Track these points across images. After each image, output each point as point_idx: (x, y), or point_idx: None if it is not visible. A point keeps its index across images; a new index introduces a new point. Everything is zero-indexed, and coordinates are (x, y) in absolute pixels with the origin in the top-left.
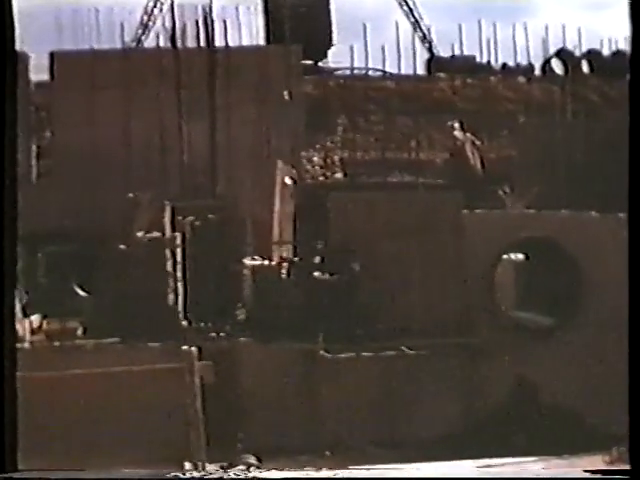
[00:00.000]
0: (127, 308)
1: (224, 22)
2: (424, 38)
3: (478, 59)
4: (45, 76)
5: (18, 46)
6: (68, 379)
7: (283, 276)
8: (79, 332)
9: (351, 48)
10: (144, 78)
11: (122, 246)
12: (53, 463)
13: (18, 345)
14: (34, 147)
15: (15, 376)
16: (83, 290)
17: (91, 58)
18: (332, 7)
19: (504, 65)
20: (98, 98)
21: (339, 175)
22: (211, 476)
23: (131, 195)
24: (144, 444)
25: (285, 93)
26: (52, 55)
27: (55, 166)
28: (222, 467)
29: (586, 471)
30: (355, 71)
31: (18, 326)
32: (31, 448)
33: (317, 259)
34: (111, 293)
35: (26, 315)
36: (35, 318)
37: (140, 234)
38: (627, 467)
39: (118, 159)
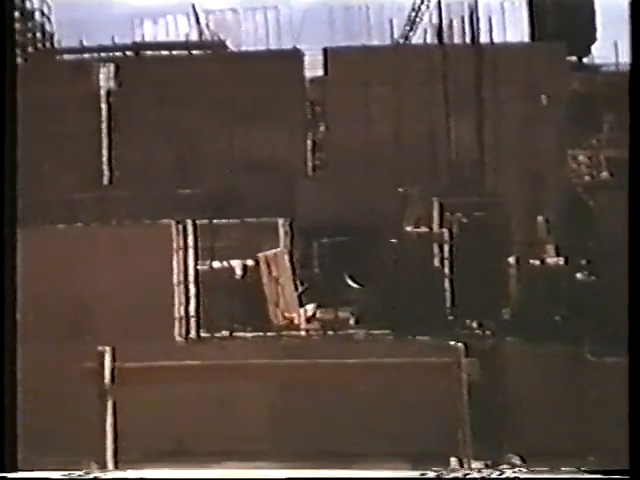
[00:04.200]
0: (397, 301)
1: (489, 18)
2: None
3: None
4: (319, 72)
5: (294, 44)
6: (340, 367)
7: (549, 276)
8: (351, 322)
9: (615, 44)
10: (412, 74)
11: (393, 240)
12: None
13: (294, 332)
14: (309, 141)
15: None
16: (355, 282)
17: (362, 54)
18: (596, 1)
19: None
20: (369, 93)
21: (605, 174)
22: (473, 475)
23: (401, 190)
24: (411, 436)
25: (543, 97)
26: (325, 51)
27: (329, 159)
28: (487, 465)
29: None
30: (620, 67)
31: (294, 314)
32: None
33: (583, 260)
34: (382, 285)
35: (302, 304)
36: (310, 307)
37: (409, 228)
38: (627, 467)
39: (388, 153)
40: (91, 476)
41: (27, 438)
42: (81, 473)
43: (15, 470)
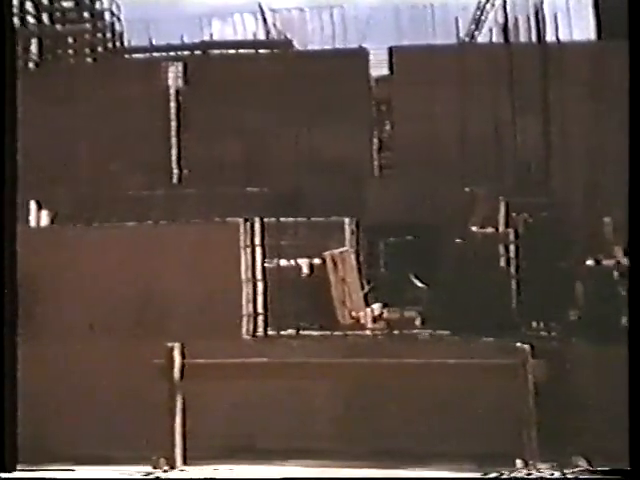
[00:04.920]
0: (462, 301)
1: (555, 16)
2: None
3: None
4: (385, 71)
5: (359, 42)
6: (405, 367)
7: (615, 277)
8: (417, 322)
9: None
10: (478, 73)
11: (458, 240)
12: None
13: (360, 332)
14: (375, 140)
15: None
16: (421, 281)
17: (428, 53)
18: None
19: None
20: (435, 92)
21: None
22: (534, 475)
23: (467, 189)
24: (476, 437)
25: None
26: (391, 50)
27: (395, 159)
28: (553, 467)
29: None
30: None
31: (360, 314)
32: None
33: None
34: (447, 285)
35: (368, 304)
36: (376, 307)
37: (475, 229)
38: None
39: (454, 153)
40: (152, 477)
41: (98, 434)
42: (144, 472)
43: (14, 470)
